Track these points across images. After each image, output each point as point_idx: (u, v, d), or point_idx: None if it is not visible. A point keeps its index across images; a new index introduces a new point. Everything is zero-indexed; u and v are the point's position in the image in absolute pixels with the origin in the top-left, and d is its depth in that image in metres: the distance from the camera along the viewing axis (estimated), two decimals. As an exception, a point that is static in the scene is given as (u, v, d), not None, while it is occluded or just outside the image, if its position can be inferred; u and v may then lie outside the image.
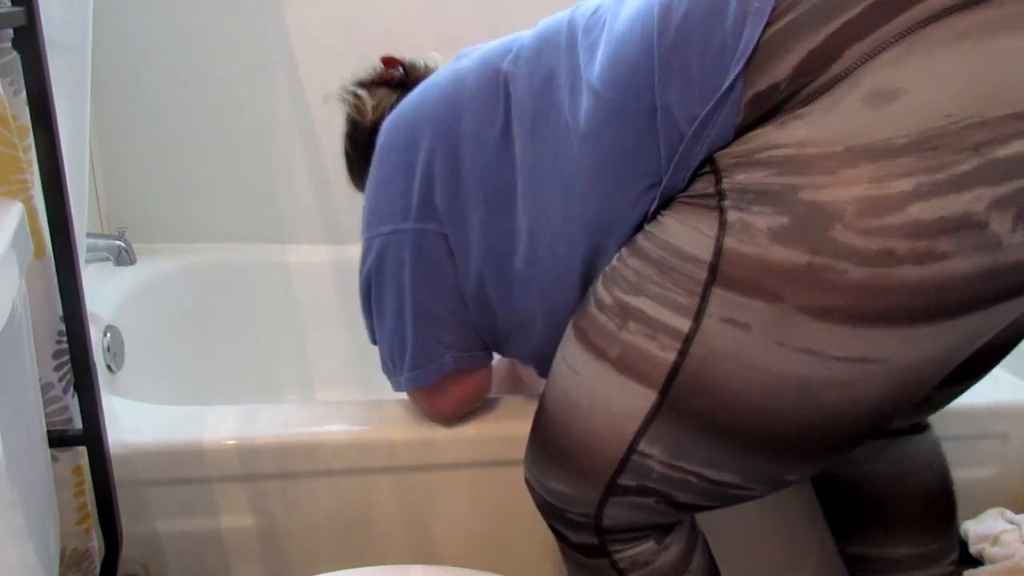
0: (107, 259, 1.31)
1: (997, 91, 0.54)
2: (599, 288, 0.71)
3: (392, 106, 0.99)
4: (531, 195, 0.77)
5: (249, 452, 0.95)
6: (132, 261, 1.32)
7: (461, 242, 0.83)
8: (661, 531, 0.79)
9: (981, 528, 1.07)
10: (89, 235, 1.27)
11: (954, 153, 0.54)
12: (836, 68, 0.58)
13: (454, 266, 0.85)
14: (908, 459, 0.91)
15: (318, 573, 0.71)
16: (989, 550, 1.04)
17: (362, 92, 1.03)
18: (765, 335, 0.60)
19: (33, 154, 0.73)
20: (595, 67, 0.71)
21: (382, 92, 1.03)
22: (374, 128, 1.00)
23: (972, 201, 0.54)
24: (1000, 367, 1.18)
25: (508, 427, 0.98)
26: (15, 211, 0.66)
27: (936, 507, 0.92)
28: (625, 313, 0.67)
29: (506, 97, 0.79)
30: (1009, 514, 1.09)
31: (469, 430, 0.98)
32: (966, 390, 0.84)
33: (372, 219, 0.88)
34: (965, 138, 0.54)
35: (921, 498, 0.91)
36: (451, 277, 0.85)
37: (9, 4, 0.68)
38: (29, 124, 0.73)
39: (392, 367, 0.92)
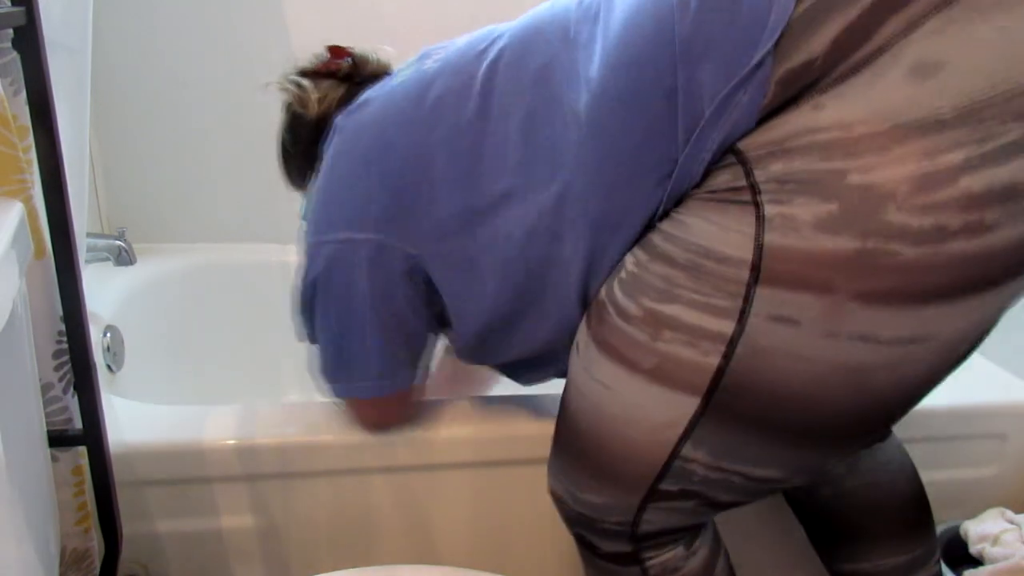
0: (107, 259, 1.31)
1: None
2: (620, 297, 0.68)
3: (340, 101, 0.96)
4: (522, 195, 0.73)
5: (249, 452, 0.95)
6: (132, 261, 1.32)
7: (435, 252, 0.79)
8: (690, 536, 0.78)
9: (981, 528, 1.07)
10: (89, 235, 1.27)
11: (1000, 123, 0.54)
12: (875, 42, 0.56)
13: (411, 280, 0.81)
14: (877, 468, 0.90)
15: (318, 573, 0.71)
16: (989, 550, 1.04)
17: (306, 83, 0.98)
18: (815, 328, 0.59)
19: (33, 154, 0.73)
20: (594, 58, 0.68)
21: (328, 84, 0.98)
22: (318, 123, 0.97)
23: (1017, 170, 0.54)
24: (999, 366, 1.19)
25: (508, 427, 0.98)
26: (15, 211, 0.66)
27: (915, 510, 0.91)
28: (658, 323, 0.64)
29: (485, 97, 0.75)
30: (1009, 514, 1.09)
31: (469, 430, 0.98)
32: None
33: (323, 224, 0.83)
34: (1009, 107, 0.54)
35: (898, 505, 0.91)
36: (402, 290, 0.81)
37: (9, 4, 0.68)
38: (29, 124, 0.73)
39: (328, 375, 0.89)
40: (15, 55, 0.70)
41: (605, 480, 0.72)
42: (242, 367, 1.51)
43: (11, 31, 0.69)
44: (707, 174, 0.65)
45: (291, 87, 0.99)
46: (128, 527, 0.92)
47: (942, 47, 0.55)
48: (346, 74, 1.00)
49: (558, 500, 0.80)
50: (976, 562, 1.06)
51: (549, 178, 0.72)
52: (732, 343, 0.61)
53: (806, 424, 0.64)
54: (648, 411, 0.67)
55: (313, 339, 0.90)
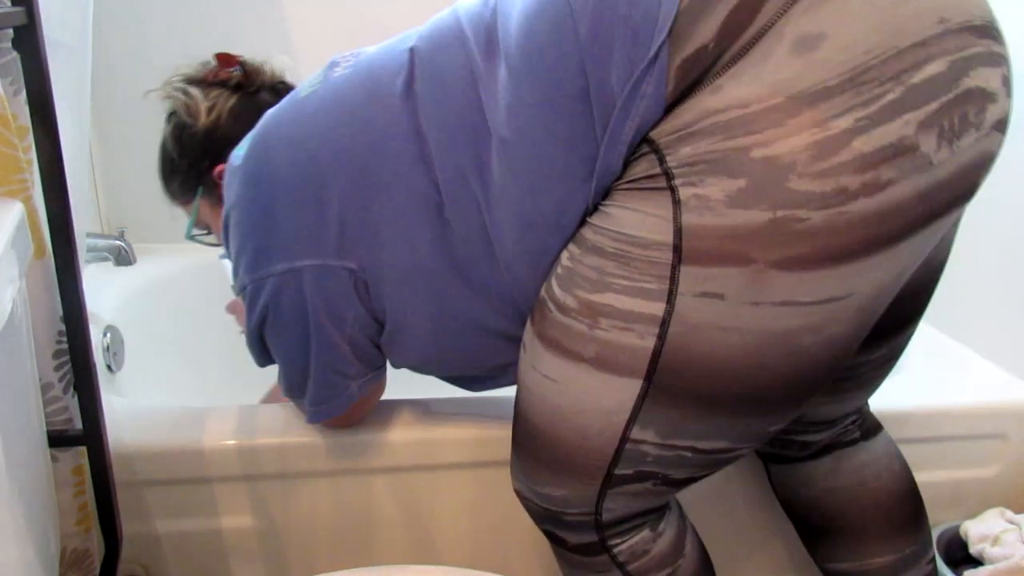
0: (107, 259, 1.31)
1: (901, 24, 0.59)
2: (557, 292, 0.70)
3: (231, 112, 0.94)
4: (455, 205, 0.73)
5: (249, 452, 0.95)
6: (132, 261, 1.32)
7: (376, 264, 0.78)
8: (655, 518, 0.80)
9: (981, 528, 1.07)
10: (89, 235, 1.27)
11: (880, 85, 0.58)
12: (759, 22, 0.60)
13: (358, 297, 0.80)
14: (864, 467, 0.91)
15: (318, 573, 0.71)
16: (989, 550, 1.04)
17: (194, 91, 0.96)
18: (740, 299, 0.62)
19: (33, 154, 0.73)
20: (501, 61, 0.69)
21: (216, 92, 0.96)
22: (208, 133, 0.95)
23: (903, 127, 0.58)
24: (997, 365, 1.19)
25: (508, 427, 0.98)
26: (15, 211, 0.66)
27: (902, 509, 0.91)
28: (594, 312, 0.66)
29: (409, 106, 0.74)
30: (1009, 514, 1.09)
31: (469, 430, 0.98)
32: (895, 359, 0.85)
33: (260, 259, 0.80)
34: (886, 69, 0.58)
35: (885, 503, 0.91)
36: (354, 309, 0.80)
37: (9, 4, 0.68)
38: (29, 124, 0.73)
39: (297, 397, 0.89)
40: (15, 55, 0.70)
41: (563, 473, 0.74)
42: (242, 367, 1.50)
43: (11, 31, 0.69)
44: (627, 165, 0.67)
45: (178, 95, 0.97)
46: (128, 527, 0.92)
47: (819, 21, 0.59)
48: (237, 83, 0.98)
49: (522, 499, 0.82)
50: (976, 562, 1.06)
51: (481, 186, 0.72)
52: (665, 324, 0.64)
53: (745, 393, 0.66)
54: (594, 399, 0.69)
55: (265, 363, 0.90)
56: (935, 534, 1.07)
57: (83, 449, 0.83)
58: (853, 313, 0.64)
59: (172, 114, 0.99)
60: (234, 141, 0.93)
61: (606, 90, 0.65)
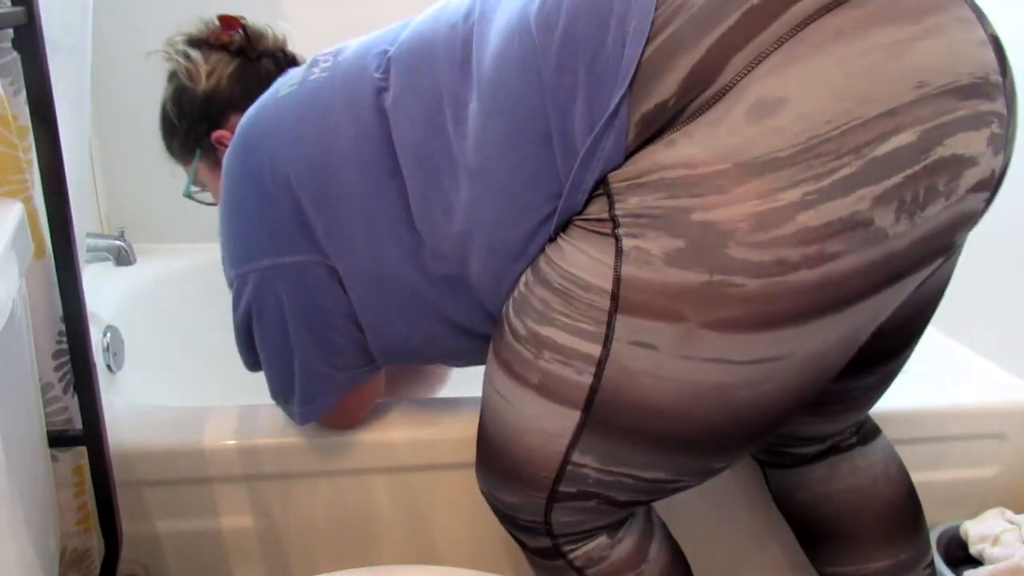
0: (107, 259, 1.31)
1: (873, 89, 0.56)
2: (511, 316, 0.71)
3: (231, 77, 0.93)
4: (424, 221, 0.74)
5: (249, 452, 0.95)
6: (132, 261, 1.32)
7: (349, 268, 0.78)
8: (612, 526, 0.80)
9: (981, 528, 1.07)
10: (89, 235, 1.27)
11: (836, 158, 0.56)
12: (721, 80, 0.58)
13: (343, 292, 0.80)
14: (860, 472, 0.91)
15: (318, 573, 0.71)
16: (989, 550, 1.04)
17: (195, 54, 0.96)
18: (672, 352, 0.62)
19: (33, 154, 0.73)
20: (473, 88, 0.69)
21: (217, 57, 0.96)
22: (207, 98, 0.95)
23: (856, 202, 0.56)
24: (998, 365, 1.19)
25: (508, 427, 0.98)
26: (15, 211, 0.66)
27: (899, 514, 0.91)
28: (539, 343, 0.68)
29: (381, 116, 0.74)
30: (1009, 514, 1.09)
31: (469, 430, 0.98)
32: (888, 381, 0.84)
33: (242, 254, 0.81)
34: (846, 142, 0.56)
35: (882, 508, 0.90)
36: (340, 303, 0.80)
37: (9, 4, 0.68)
38: (29, 124, 0.73)
39: (285, 400, 0.89)
40: (15, 55, 0.70)
41: (514, 481, 0.75)
42: (242, 367, 1.50)
43: (11, 31, 0.69)
44: (587, 200, 0.67)
45: (179, 58, 0.96)
46: (128, 527, 0.92)
47: (783, 84, 0.56)
48: (238, 48, 0.98)
49: (485, 498, 0.83)
50: (976, 562, 1.06)
51: (446, 208, 0.72)
52: (601, 364, 0.65)
53: (679, 435, 0.67)
54: (538, 421, 0.70)
55: (255, 367, 0.89)
56: (935, 534, 1.07)
57: (83, 449, 0.83)
58: (794, 371, 0.63)
59: (173, 75, 0.99)
60: (233, 106, 0.95)
61: (568, 136, 0.65)
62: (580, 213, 0.67)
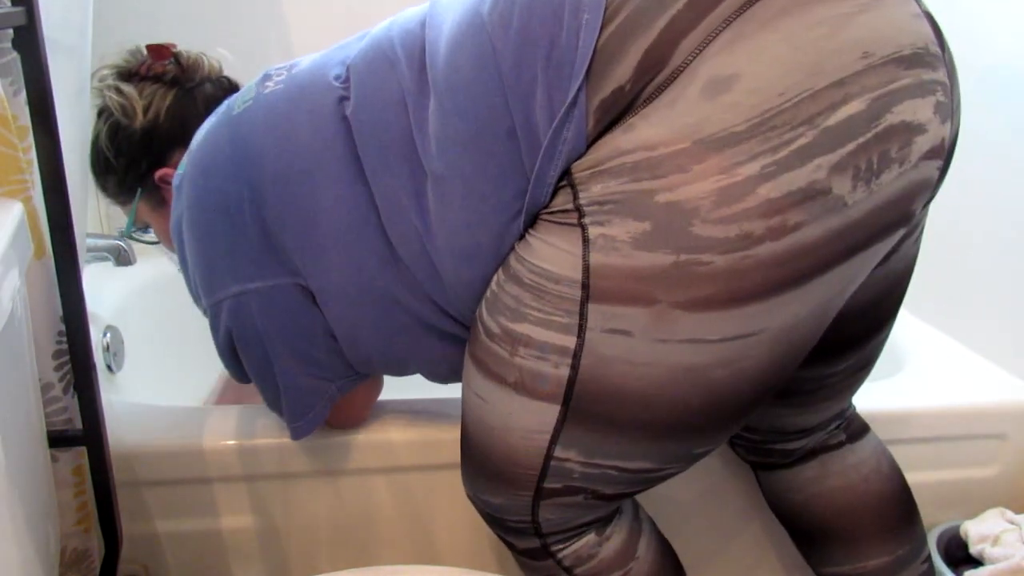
0: (107, 259, 1.31)
1: (821, 61, 0.57)
2: (485, 316, 0.71)
3: (169, 111, 0.90)
4: (396, 231, 0.73)
5: (249, 452, 0.95)
6: (132, 261, 1.31)
7: (323, 286, 0.77)
8: (600, 524, 0.80)
9: (981, 528, 1.07)
10: (89, 235, 1.27)
11: (791, 129, 0.57)
12: (673, 62, 0.60)
13: (318, 310, 0.79)
14: (852, 469, 0.90)
15: (318, 573, 0.71)
16: (989, 550, 1.04)
17: (128, 88, 0.92)
18: (646, 336, 0.62)
19: (33, 154, 0.73)
20: (431, 91, 0.69)
21: (152, 89, 0.92)
22: (146, 134, 0.91)
23: (814, 171, 0.58)
24: (997, 365, 1.19)
25: (508, 427, 0.98)
26: (15, 211, 0.66)
27: (894, 510, 0.91)
28: (513, 340, 0.68)
29: (343, 127, 0.73)
30: (1009, 514, 1.09)
31: (469, 430, 0.98)
32: (868, 367, 0.84)
33: (213, 283, 0.80)
34: (799, 113, 0.57)
35: (876, 505, 0.90)
36: (316, 321, 0.79)
37: (9, 4, 0.68)
38: (29, 124, 0.73)
39: (279, 414, 0.88)
40: (15, 55, 0.70)
41: (498, 482, 0.75)
42: (242, 367, 1.51)
43: (11, 31, 0.69)
44: (552, 194, 0.67)
45: (111, 94, 0.92)
46: (128, 527, 0.92)
47: (733, 61, 0.58)
48: (173, 78, 0.94)
49: (472, 502, 0.83)
50: (976, 562, 1.06)
51: (419, 214, 0.72)
52: (576, 356, 0.65)
53: (660, 421, 0.67)
54: (518, 419, 0.70)
55: (246, 380, 0.88)
56: (935, 534, 1.07)
57: (83, 449, 0.83)
58: (767, 346, 0.64)
59: (103, 111, 0.95)
60: (175, 140, 0.91)
61: (531, 128, 0.65)
62: (546, 207, 0.67)
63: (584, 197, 0.63)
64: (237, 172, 0.76)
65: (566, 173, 0.65)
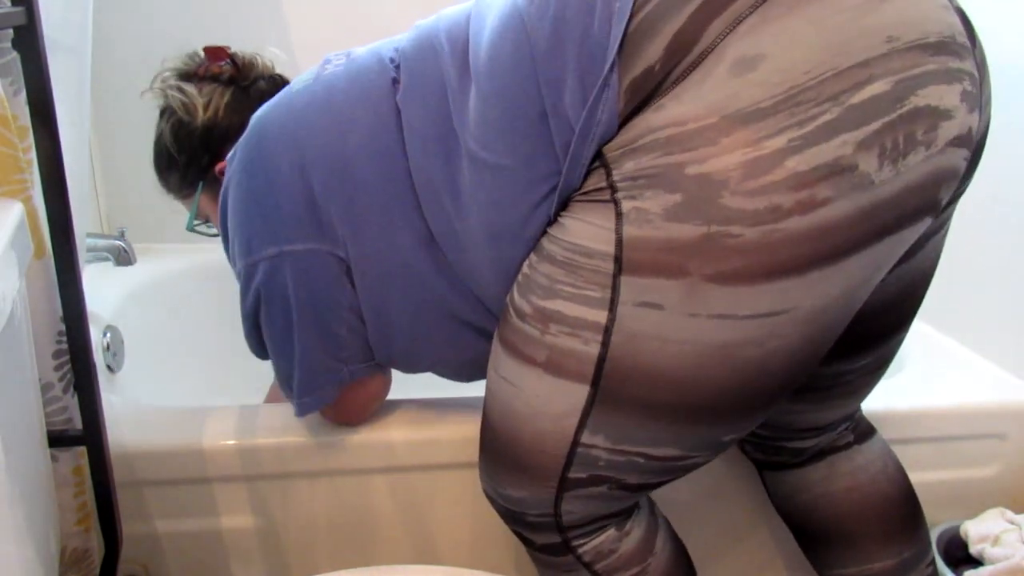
0: (107, 259, 1.31)
1: (845, 43, 0.59)
2: (516, 298, 0.72)
3: (227, 107, 0.95)
4: (429, 209, 0.76)
5: (249, 452, 0.95)
6: (132, 261, 1.32)
7: (360, 257, 0.80)
8: (620, 518, 0.80)
9: (981, 528, 1.07)
10: (89, 235, 1.27)
11: (816, 105, 0.59)
12: (702, 44, 0.62)
13: (350, 284, 0.81)
14: (860, 470, 0.91)
15: (318, 573, 0.71)
16: (989, 550, 1.04)
17: (189, 88, 0.97)
18: (678, 310, 0.63)
19: (33, 154, 0.73)
20: (472, 78, 0.72)
21: (211, 88, 0.97)
22: (207, 130, 0.95)
23: (840, 147, 0.59)
24: (997, 365, 1.19)
25: (508, 427, 0.98)
26: (15, 211, 0.66)
27: (900, 512, 0.91)
28: (544, 317, 0.69)
29: (395, 107, 0.77)
30: (1009, 514, 1.09)
31: (469, 430, 0.98)
32: (884, 367, 0.85)
33: (251, 244, 0.82)
34: (824, 90, 0.59)
35: (882, 507, 0.90)
36: (345, 295, 0.81)
37: (9, 4, 0.68)
38: (29, 124, 0.73)
39: (290, 387, 0.89)
40: (15, 55, 0.70)
41: (522, 474, 0.75)
42: (242, 367, 1.50)
43: (11, 31, 0.69)
44: (584, 176, 0.69)
45: (174, 93, 0.97)
46: (128, 527, 0.92)
47: (760, 42, 0.60)
48: (230, 77, 0.99)
49: (490, 499, 0.83)
50: (976, 562, 1.06)
51: (451, 194, 0.74)
52: (607, 331, 0.66)
53: (690, 403, 0.67)
54: (547, 402, 0.70)
55: (263, 355, 0.90)
56: (935, 534, 1.07)
57: (83, 449, 0.83)
58: (798, 327, 0.64)
59: (166, 110, 0.99)
60: (234, 135, 0.94)
61: (562, 112, 0.67)
62: (578, 189, 0.69)
63: (617, 174, 0.64)
64: (290, 140, 0.79)
65: (598, 155, 0.67)
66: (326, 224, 0.79)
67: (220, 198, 0.87)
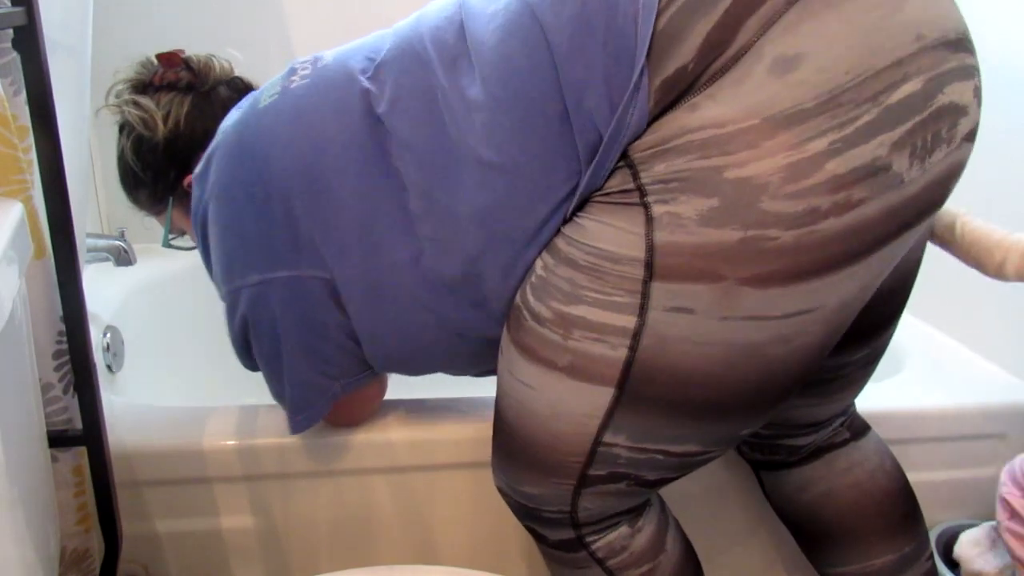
0: (107, 259, 1.31)
1: (880, 42, 0.59)
2: (532, 301, 0.70)
3: (188, 116, 0.91)
4: (428, 222, 0.73)
5: (249, 452, 0.95)
6: (132, 261, 1.31)
7: (345, 278, 0.77)
8: (633, 515, 0.80)
9: (974, 534, 1.07)
10: (89, 235, 1.27)
11: (856, 107, 0.59)
12: (738, 43, 0.60)
13: (336, 304, 0.79)
14: (858, 467, 0.91)
15: (318, 573, 0.71)
16: (968, 561, 1.03)
17: (145, 101, 0.92)
18: (710, 313, 0.63)
19: (33, 154, 0.73)
20: (476, 84, 0.69)
21: (168, 98, 0.93)
22: (169, 143, 0.92)
23: (876, 148, 0.59)
24: (997, 365, 1.19)
25: (508, 427, 0.98)
26: (15, 211, 0.66)
27: (899, 507, 0.91)
28: (567, 323, 0.67)
29: (369, 121, 0.74)
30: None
31: (469, 430, 0.98)
32: (878, 358, 0.85)
33: (233, 271, 0.81)
34: (863, 91, 0.59)
35: (881, 502, 0.91)
36: (332, 316, 0.79)
37: (9, 4, 0.68)
38: (29, 124, 0.73)
39: (283, 406, 0.88)
40: (15, 55, 0.70)
41: (539, 472, 0.75)
42: (242, 367, 1.50)
43: (11, 31, 0.69)
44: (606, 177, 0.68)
45: (130, 108, 0.92)
46: (128, 527, 0.92)
47: (798, 41, 0.59)
48: (187, 84, 0.94)
49: (503, 495, 0.82)
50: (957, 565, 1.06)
51: (451, 203, 0.72)
52: (636, 336, 0.65)
53: (714, 401, 0.68)
54: (568, 405, 0.70)
55: (256, 369, 0.89)
56: (935, 534, 1.07)
57: (83, 449, 0.83)
58: (822, 324, 0.65)
59: (124, 126, 0.95)
60: (199, 145, 0.91)
61: (586, 116, 0.65)
62: (599, 189, 0.67)
63: (646, 176, 0.63)
64: (266, 163, 0.77)
65: (622, 154, 0.66)
66: (306, 246, 0.77)
67: (193, 218, 0.84)
